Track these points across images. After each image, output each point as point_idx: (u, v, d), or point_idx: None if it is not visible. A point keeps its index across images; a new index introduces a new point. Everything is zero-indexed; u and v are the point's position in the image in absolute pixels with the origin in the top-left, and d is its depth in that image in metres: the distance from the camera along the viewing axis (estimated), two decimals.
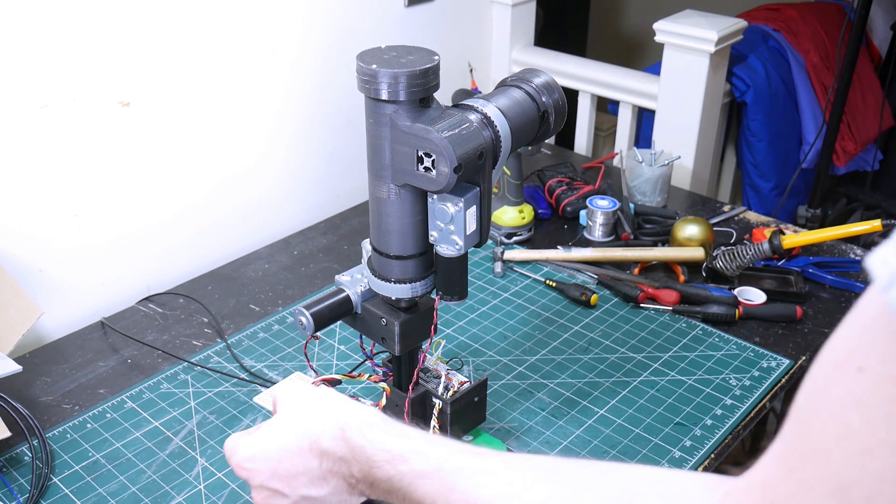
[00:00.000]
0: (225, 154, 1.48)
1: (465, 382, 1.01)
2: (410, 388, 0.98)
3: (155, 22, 1.31)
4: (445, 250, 0.88)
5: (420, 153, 0.81)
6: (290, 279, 1.45)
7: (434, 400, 0.98)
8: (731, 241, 1.53)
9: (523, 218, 1.52)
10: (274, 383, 1.19)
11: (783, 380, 1.20)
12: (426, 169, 0.81)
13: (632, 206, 1.58)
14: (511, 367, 1.23)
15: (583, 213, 1.57)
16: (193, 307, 1.37)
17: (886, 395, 0.33)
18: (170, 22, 1.33)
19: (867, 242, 1.88)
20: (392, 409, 1.00)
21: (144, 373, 1.22)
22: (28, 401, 1.15)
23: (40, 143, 1.23)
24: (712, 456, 1.07)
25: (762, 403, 1.15)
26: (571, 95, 1.63)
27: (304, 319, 0.93)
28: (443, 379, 1.01)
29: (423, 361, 0.98)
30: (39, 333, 1.31)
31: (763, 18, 2.36)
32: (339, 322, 0.97)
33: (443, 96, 0.87)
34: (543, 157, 1.81)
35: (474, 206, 0.86)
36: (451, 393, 0.99)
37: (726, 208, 1.64)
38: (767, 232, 1.46)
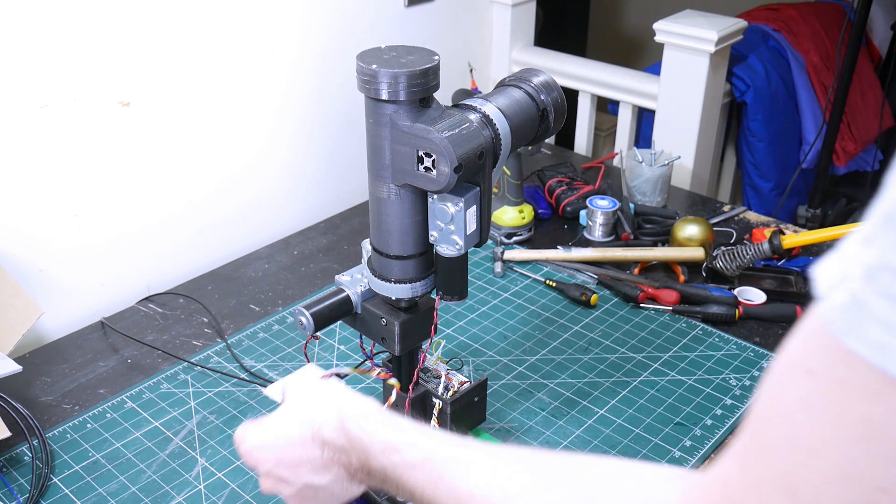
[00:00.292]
0: (225, 154, 1.48)
1: (465, 382, 1.01)
2: (410, 388, 0.98)
3: (155, 22, 1.31)
4: (445, 250, 0.88)
5: (420, 153, 0.81)
6: (290, 279, 1.45)
7: (434, 400, 0.98)
8: (731, 241, 1.53)
9: (523, 218, 1.52)
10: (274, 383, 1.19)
11: None
12: (426, 169, 0.81)
13: (632, 206, 1.58)
14: (511, 367, 1.23)
15: (583, 213, 1.57)
16: (193, 307, 1.37)
17: (833, 398, 0.34)
18: (170, 22, 1.33)
19: None
20: (392, 409, 1.00)
21: (144, 373, 1.22)
22: (28, 401, 1.15)
23: (40, 143, 1.23)
24: (712, 456, 1.07)
25: None
26: (571, 95, 1.63)
27: (304, 319, 0.93)
28: (443, 379, 1.01)
29: (423, 361, 0.98)
30: (39, 333, 1.31)
31: (763, 18, 2.36)
32: (339, 322, 0.97)
33: (443, 96, 0.87)
34: (543, 157, 1.81)
35: (474, 206, 0.86)
36: (451, 393, 0.99)
37: (726, 208, 1.64)
38: (767, 232, 1.46)
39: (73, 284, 1.34)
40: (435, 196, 0.85)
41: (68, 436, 1.11)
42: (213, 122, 1.44)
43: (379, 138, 0.84)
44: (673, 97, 1.74)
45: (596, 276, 1.42)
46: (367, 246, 0.96)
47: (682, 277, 1.42)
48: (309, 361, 1.03)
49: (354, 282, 0.97)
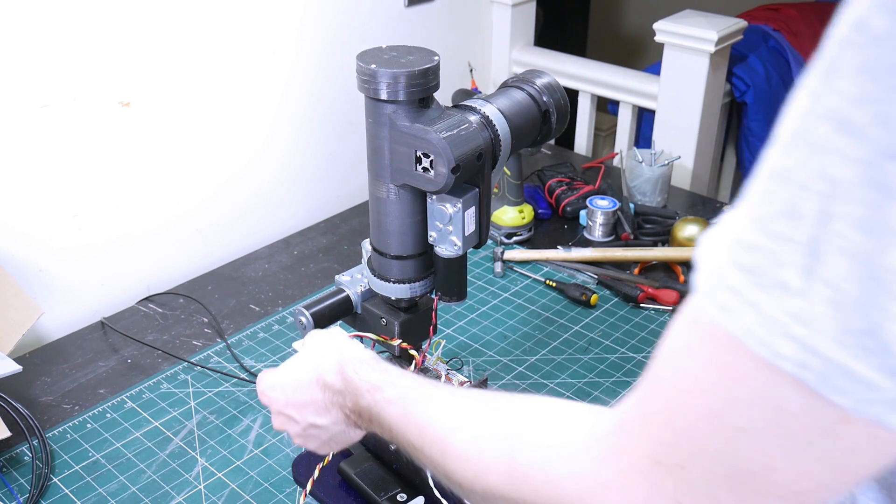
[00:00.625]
0: (225, 154, 1.48)
1: (465, 382, 1.01)
2: None
3: (155, 22, 1.31)
4: (444, 251, 0.88)
5: (418, 153, 0.81)
6: (290, 279, 1.45)
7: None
8: None
9: (523, 218, 1.52)
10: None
11: None
12: (424, 169, 0.81)
13: (632, 206, 1.58)
14: (511, 367, 1.23)
15: (583, 213, 1.57)
16: (193, 307, 1.37)
17: (702, 348, 0.40)
18: (169, 22, 1.33)
19: None
20: None
21: (144, 373, 1.22)
22: (28, 401, 1.15)
23: (40, 143, 1.23)
24: None
25: None
26: (571, 95, 1.63)
27: (304, 319, 0.94)
28: (443, 379, 1.01)
29: (423, 361, 0.98)
30: (39, 333, 1.31)
31: (763, 18, 2.36)
32: (339, 322, 0.97)
33: (443, 96, 0.87)
34: (543, 157, 1.81)
35: (473, 208, 0.86)
36: None
37: (726, 208, 1.64)
38: None
39: (73, 284, 1.34)
40: (434, 197, 0.85)
41: (68, 436, 1.11)
42: (213, 121, 1.44)
43: (378, 138, 0.84)
44: (673, 97, 1.74)
45: (596, 276, 1.42)
46: (367, 246, 0.96)
47: (682, 277, 1.42)
48: None
49: (354, 282, 0.97)
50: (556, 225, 1.60)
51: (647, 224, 1.55)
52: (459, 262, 0.90)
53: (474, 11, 1.89)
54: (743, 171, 2.28)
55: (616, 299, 1.37)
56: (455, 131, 0.81)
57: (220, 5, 1.38)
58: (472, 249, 0.90)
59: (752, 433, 0.38)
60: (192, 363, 1.23)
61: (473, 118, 0.85)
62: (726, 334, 0.38)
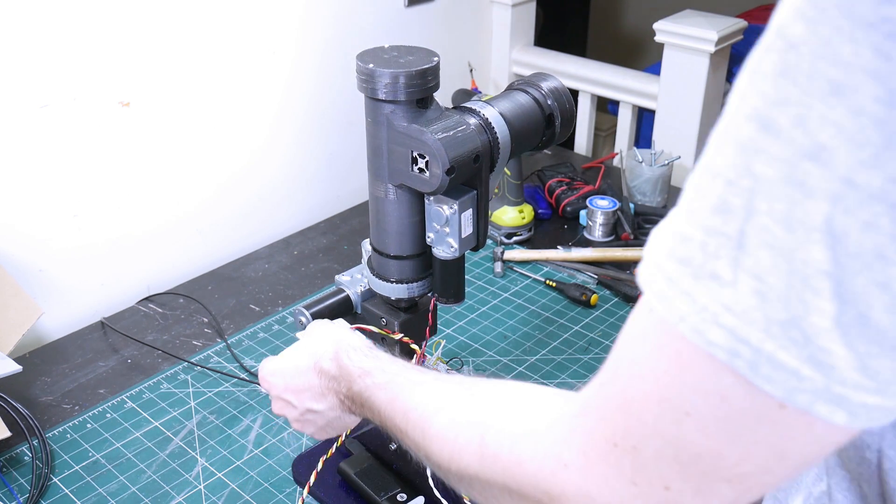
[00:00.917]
0: (225, 154, 1.48)
1: None
2: None
3: (155, 22, 1.31)
4: (441, 252, 0.88)
5: (414, 154, 0.81)
6: (290, 279, 1.45)
7: None
8: None
9: (523, 218, 1.52)
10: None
11: None
12: (420, 170, 0.81)
13: (632, 206, 1.58)
14: (511, 367, 1.23)
15: (583, 213, 1.57)
16: (193, 307, 1.37)
17: (653, 337, 0.42)
18: (169, 22, 1.33)
19: None
20: None
21: (144, 373, 1.22)
22: (28, 401, 1.15)
23: (40, 143, 1.23)
24: None
25: None
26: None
27: (304, 319, 0.94)
28: None
29: (423, 362, 0.98)
30: (39, 333, 1.31)
31: (763, 18, 2.35)
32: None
33: (443, 96, 0.87)
34: (543, 157, 1.81)
35: (470, 210, 0.86)
36: None
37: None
38: None
39: (73, 284, 1.34)
40: (431, 198, 0.85)
41: (68, 436, 1.11)
42: (213, 121, 1.44)
43: (377, 138, 0.84)
44: (673, 97, 1.74)
45: (596, 276, 1.42)
46: (367, 246, 0.96)
47: None
48: None
49: (354, 282, 0.97)
50: (556, 225, 1.60)
51: (647, 224, 1.55)
52: (457, 264, 0.90)
53: (474, 11, 1.89)
54: None
55: (616, 299, 1.37)
56: (451, 133, 0.81)
57: (220, 5, 1.38)
58: (470, 251, 0.90)
59: (697, 417, 0.40)
60: (192, 363, 1.23)
61: (472, 120, 0.84)
62: (666, 321, 0.40)
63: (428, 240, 0.88)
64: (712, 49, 1.66)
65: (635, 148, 1.69)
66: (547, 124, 0.91)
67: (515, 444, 0.52)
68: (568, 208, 1.60)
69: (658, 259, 0.41)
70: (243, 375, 1.21)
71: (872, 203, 0.34)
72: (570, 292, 1.37)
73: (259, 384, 1.18)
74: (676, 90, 1.74)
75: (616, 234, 1.54)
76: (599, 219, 1.52)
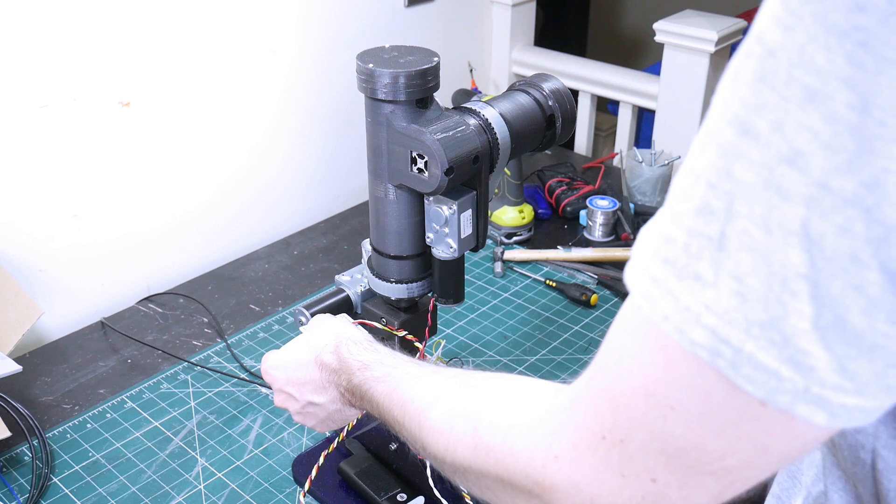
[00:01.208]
0: (225, 154, 1.48)
1: None
2: None
3: (155, 22, 1.31)
4: (441, 253, 0.88)
5: (413, 154, 0.81)
6: (290, 279, 1.45)
7: None
8: None
9: (523, 218, 1.52)
10: None
11: None
12: (419, 170, 0.82)
13: (632, 206, 1.58)
14: (511, 367, 1.23)
15: (583, 213, 1.57)
16: (193, 307, 1.37)
17: (638, 331, 0.42)
18: (169, 22, 1.33)
19: None
20: None
21: (144, 373, 1.22)
22: (28, 401, 1.15)
23: (40, 143, 1.23)
24: None
25: None
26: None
27: (304, 319, 0.94)
28: None
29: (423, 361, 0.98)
30: (39, 333, 1.31)
31: None
32: None
33: (443, 96, 0.87)
34: (543, 157, 1.81)
35: (469, 210, 0.86)
36: None
37: None
38: None
39: (73, 284, 1.34)
40: (430, 198, 0.85)
41: (68, 436, 1.11)
42: (213, 121, 1.44)
43: (377, 138, 0.84)
44: (673, 97, 1.74)
45: (596, 276, 1.42)
46: (367, 246, 0.96)
47: None
48: None
49: (354, 282, 0.97)
50: (556, 225, 1.60)
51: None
52: (457, 265, 0.90)
53: (474, 11, 1.89)
54: None
55: (616, 299, 1.37)
56: (451, 133, 0.81)
57: (220, 5, 1.38)
58: (470, 251, 0.90)
59: (682, 412, 0.41)
60: (192, 363, 1.23)
61: (472, 121, 0.84)
62: (650, 319, 0.41)
63: (427, 240, 0.88)
64: (712, 49, 1.66)
65: (635, 148, 1.69)
66: (548, 125, 0.91)
67: (507, 436, 0.53)
68: (568, 208, 1.60)
69: (644, 259, 0.42)
70: (243, 375, 1.21)
71: (847, 207, 0.34)
72: (570, 292, 1.37)
73: (259, 384, 1.19)
74: (676, 90, 1.74)
75: (616, 234, 1.54)
76: (599, 219, 1.52)
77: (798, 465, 0.61)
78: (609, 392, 0.45)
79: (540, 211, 1.60)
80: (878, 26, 0.33)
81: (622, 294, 1.37)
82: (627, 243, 1.51)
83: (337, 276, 0.98)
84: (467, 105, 0.88)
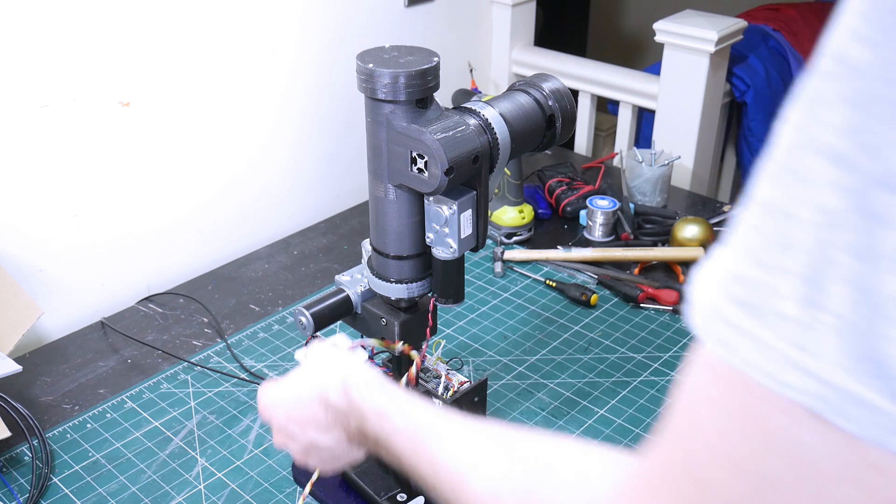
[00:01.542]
0: (225, 154, 1.48)
1: (465, 382, 1.01)
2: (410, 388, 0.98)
3: (155, 22, 1.31)
4: (441, 253, 0.88)
5: (413, 154, 0.81)
6: (290, 279, 1.45)
7: (434, 400, 0.98)
8: None
9: (523, 218, 1.52)
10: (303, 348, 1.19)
11: None
12: (419, 170, 0.81)
13: (632, 206, 1.58)
14: (511, 367, 1.23)
15: (583, 213, 1.57)
16: (193, 307, 1.37)
17: (714, 392, 0.38)
18: (169, 22, 1.33)
19: None
20: (408, 384, 1.00)
21: (144, 373, 1.22)
22: (28, 401, 1.15)
23: (40, 143, 1.23)
24: None
25: None
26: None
27: (304, 319, 0.94)
28: (443, 379, 1.01)
29: (423, 362, 0.98)
30: (39, 333, 1.31)
31: (763, 18, 2.36)
32: (339, 322, 0.97)
33: (443, 96, 0.87)
34: (543, 156, 1.81)
35: (469, 210, 0.86)
36: (450, 393, 0.99)
37: (726, 208, 1.64)
38: None
39: (73, 284, 1.34)
40: (430, 198, 0.85)
41: (68, 436, 1.11)
42: (213, 122, 1.44)
43: (377, 138, 0.84)
44: (673, 97, 1.74)
45: (596, 276, 1.42)
46: (367, 246, 0.96)
47: (682, 277, 1.42)
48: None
49: (354, 282, 0.97)
50: (556, 225, 1.60)
51: (647, 224, 1.55)
52: (457, 265, 0.90)
53: (474, 11, 1.89)
54: (743, 170, 2.28)
55: (616, 299, 1.37)
56: (451, 133, 0.81)
57: (220, 5, 1.39)
58: (470, 251, 0.90)
59: (774, 479, 0.36)
60: (192, 363, 1.23)
61: (472, 121, 0.84)
62: (731, 370, 0.37)
63: (427, 240, 0.88)
64: (712, 49, 1.66)
65: (635, 148, 1.69)
66: (548, 125, 0.91)
67: None
68: (568, 208, 1.60)
69: (711, 303, 0.38)
70: (243, 375, 1.21)
71: None
72: (570, 292, 1.37)
73: (259, 384, 1.19)
74: (676, 90, 1.74)
75: (616, 234, 1.54)
76: (599, 219, 1.52)
77: None
78: (687, 466, 0.40)
79: (540, 211, 1.60)
80: None
81: (622, 294, 1.37)
82: (627, 243, 1.51)
83: (337, 276, 0.98)
84: (467, 105, 0.88)
